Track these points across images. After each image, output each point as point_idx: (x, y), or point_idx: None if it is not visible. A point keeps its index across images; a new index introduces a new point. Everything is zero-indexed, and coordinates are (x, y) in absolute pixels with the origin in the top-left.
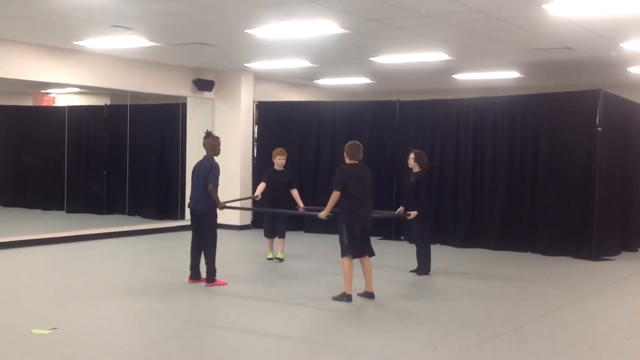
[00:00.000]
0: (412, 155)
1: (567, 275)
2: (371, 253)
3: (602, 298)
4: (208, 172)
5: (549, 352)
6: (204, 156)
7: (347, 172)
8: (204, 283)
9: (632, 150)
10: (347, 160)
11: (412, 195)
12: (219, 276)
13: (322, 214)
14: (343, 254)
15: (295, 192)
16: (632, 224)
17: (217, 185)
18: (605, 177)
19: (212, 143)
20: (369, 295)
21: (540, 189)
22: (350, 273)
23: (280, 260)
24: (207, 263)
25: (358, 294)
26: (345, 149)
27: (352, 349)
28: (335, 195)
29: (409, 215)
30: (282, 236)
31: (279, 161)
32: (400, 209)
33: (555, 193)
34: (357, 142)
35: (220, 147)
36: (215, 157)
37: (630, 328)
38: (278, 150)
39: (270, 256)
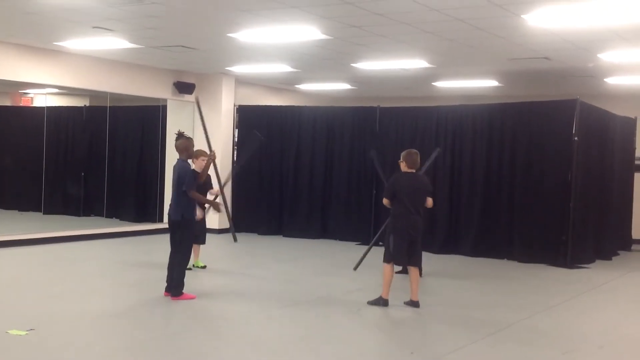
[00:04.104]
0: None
1: (542, 283)
2: (417, 264)
3: (577, 306)
4: (183, 178)
5: (523, 358)
6: (178, 159)
7: (399, 181)
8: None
9: (608, 159)
10: (404, 169)
11: None
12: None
13: None
14: (385, 260)
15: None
16: (607, 233)
17: (193, 189)
18: (581, 186)
19: (184, 144)
20: (413, 304)
21: (517, 196)
22: (389, 279)
23: (203, 267)
24: (175, 274)
25: (404, 303)
26: (403, 156)
27: (327, 354)
28: (385, 203)
29: None
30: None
31: (202, 163)
32: None
33: (531, 201)
34: (414, 150)
35: (195, 149)
36: (189, 160)
37: (604, 336)
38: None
39: (201, 264)
